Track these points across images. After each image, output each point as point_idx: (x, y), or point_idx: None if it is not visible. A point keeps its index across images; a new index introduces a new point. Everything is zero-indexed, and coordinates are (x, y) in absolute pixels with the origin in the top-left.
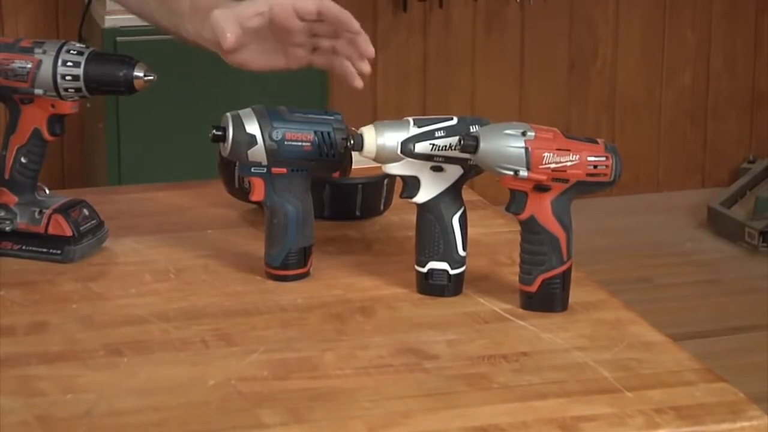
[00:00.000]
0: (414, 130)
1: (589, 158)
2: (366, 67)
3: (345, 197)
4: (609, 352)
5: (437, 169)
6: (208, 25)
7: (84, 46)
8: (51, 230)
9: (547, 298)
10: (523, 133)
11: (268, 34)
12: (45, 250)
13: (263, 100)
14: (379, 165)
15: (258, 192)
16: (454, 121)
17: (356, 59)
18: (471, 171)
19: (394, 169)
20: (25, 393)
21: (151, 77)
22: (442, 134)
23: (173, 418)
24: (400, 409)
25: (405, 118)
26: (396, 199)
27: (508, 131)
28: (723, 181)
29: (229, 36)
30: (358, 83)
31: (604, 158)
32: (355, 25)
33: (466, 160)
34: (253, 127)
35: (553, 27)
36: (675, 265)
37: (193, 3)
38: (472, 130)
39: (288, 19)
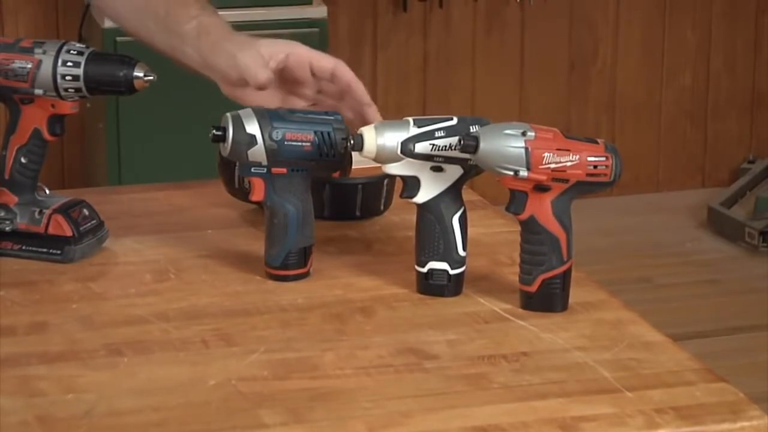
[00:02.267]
0: (414, 130)
1: (589, 158)
2: None
3: (345, 197)
4: (609, 352)
5: (437, 169)
6: (226, 59)
7: (84, 46)
8: (51, 230)
9: (547, 298)
10: (523, 133)
11: (275, 77)
12: (45, 250)
13: None
14: (379, 165)
15: (258, 192)
16: (454, 121)
17: (357, 126)
18: (471, 171)
19: (394, 169)
20: (25, 393)
21: (151, 77)
22: (442, 134)
23: (173, 418)
24: (400, 409)
25: (405, 118)
26: (396, 199)
27: (508, 131)
28: (723, 181)
29: (265, 78)
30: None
31: (604, 158)
32: (366, 96)
33: (466, 160)
34: (253, 127)
35: (553, 27)
36: (675, 265)
37: (200, 27)
38: (472, 130)
39: (301, 71)
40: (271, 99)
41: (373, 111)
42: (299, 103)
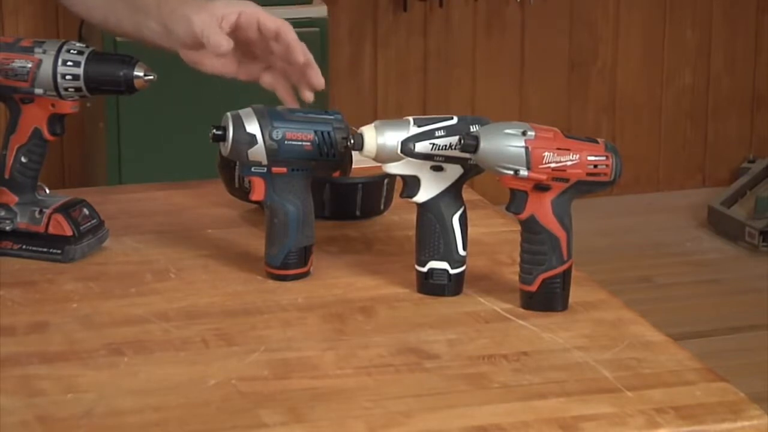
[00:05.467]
0: (414, 130)
1: (589, 158)
2: (309, 97)
3: (345, 197)
4: (609, 352)
5: (437, 168)
6: (183, 23)
7: (84, 45)
8: (51, 230)
9: (547, 297)
10: (523, 133)
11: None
12: (45, 249)
13: (263, 100)
14: (379, 164)
15: (258, 192)
16: (455, 120)
17: (303, 87)
18: (471, 170)
19: (394, 168)
20: (25, 393)
21: (151, 77)
22: (443, 134)
23: (173, 418)
24: (401, 409)
25: (405, 118)
26: (396, 199)
27: (508, 131)
28: (723, 180)
29: (225, 44)
30: (294, 105)
31: (604, 158)
32: (301, 57)
33: (467, 159)
34: (253, 127)
35: (553, 27)
36: (675, 265)
37: None
38: (472, 130)
39: (250, 30)
40: (227, 62)
41: (313, 71)
42: (252, 67)
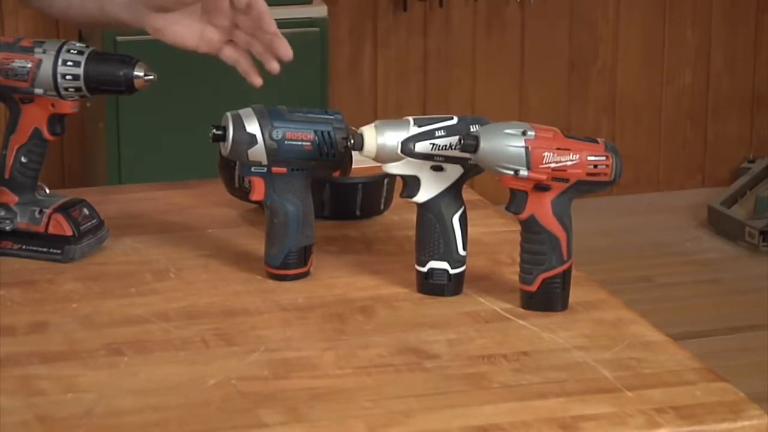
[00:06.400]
0: (414, 130)
1: (589, 158)
2: (275, 68)
3: (345, 197)
4: (609, 352)
5: (437, 168)
6: None
7: (84, 45)
8: (51, 230)
9: (547, 297)
10: (523, 133)
11: (194, 10)
12: (45, 249)
13: (263, 100)
14: (379, 164)
15: (258, 191)
16: (455, 120)
17: (268, 58)
18: (471, 170)
19: (394, 168)
20: (25, 393)
21: (151, 77)
22: (443, 134)
23: (173, 418)
24: (401, 409)
25: (405, 118)
26: (396, 199)
27: (508, 131)
28: (723, 180)
29: None
30: (257, 81)
31: (604, 158)
32: (274, 27)
33: (467, 159)
34: (253, 127)
35: (553, 27)
36: (675, 265)
37: None
38: (472, 130)
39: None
40: (191, 29)
41: (279, 42)
42: (215, 38)
